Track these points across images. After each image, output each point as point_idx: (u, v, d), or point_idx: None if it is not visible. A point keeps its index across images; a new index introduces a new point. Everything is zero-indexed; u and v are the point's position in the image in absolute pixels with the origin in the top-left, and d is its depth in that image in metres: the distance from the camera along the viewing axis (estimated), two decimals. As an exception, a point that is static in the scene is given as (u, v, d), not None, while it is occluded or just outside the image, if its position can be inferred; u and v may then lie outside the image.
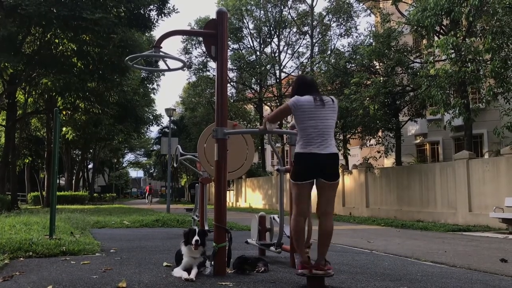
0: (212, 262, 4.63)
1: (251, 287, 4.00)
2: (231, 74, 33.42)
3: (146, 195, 41.31)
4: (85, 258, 5.55)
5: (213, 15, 5.26)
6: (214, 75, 28.32)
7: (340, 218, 16.71)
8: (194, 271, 4.34)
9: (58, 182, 29.67)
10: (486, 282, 4.56)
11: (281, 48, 34.28)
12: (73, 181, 38.26)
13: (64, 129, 28.17)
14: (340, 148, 21.69)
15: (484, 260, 6.23)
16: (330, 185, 4.10)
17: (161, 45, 5.17)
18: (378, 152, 19.99)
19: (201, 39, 24.00)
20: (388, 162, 22.93)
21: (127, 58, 5.68)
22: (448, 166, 14.64)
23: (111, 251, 6.34)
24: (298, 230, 4.17)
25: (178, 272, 4.40)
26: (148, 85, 36.35)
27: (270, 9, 33.15)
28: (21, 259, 5.35)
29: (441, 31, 15.88)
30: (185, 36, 33.18)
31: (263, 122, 4.68)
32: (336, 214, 18.59)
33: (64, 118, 27.00)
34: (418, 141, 24.73)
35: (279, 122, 4.90)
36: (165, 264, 5.12)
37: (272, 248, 5.62)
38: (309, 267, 4.00)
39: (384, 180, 17.48)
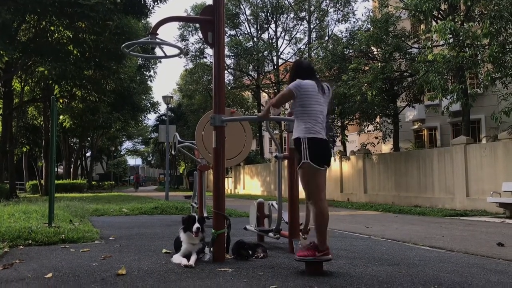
0: (211, 249, 4.65)
1: (250, 272, 4.02)
2: (228, 61, 33.23)
3: (134, 183, 51.12)
4: (84, 245, 5.58)
5: (209, 1, 5.21)
6: (211, 62, 28.17)
7: (338, 204, 16.79)
8: (193, 258, 4.37)
9: (56, 170, 29.67)
10: (483, 265, 4.60)
11: (278, 34, 34.05)
12: (71, 169, 38.27)
13: (61, 117, 28.06)
14: (338, 134, 21.69)
15: (481, 244, 6.27)
16: (326, 170, 4.21)
17: (158, 32, 5.14)
18: (376, 138, 20.01)
19: (197, 25, 23.80)
20: (386, 148, 22.96)
21: (123, 45, 5.65)
22: (445, 152, 14.67)
23: (110, 238, 6.37)
24: (327, 216, 4.06)
25: (178, 258, 4.43)
26: (145, 72, 36.15)
27: (267, -5, 32.83)
28: (21, 247, 5.37)
29: (439, 16, 15.79)
30: (181, 23, 32.93)
31: (266, 107, 4.59)
32: (334, 200, 18.67)
33: (61, 106, 26.89)
34: (416, 126, 24.74)
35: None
36: (164, 251, 5.15)
37: (270, 234, 5.65)
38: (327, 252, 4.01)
39: (382, 166, 17.53)
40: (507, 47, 12.16)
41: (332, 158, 19.47)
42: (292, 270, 4.18)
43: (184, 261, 4.30)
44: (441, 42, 14.48)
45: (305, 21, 32.67)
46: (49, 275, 3.81)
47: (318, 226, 4.01)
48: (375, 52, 18.89)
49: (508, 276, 4.05)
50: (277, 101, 4.41)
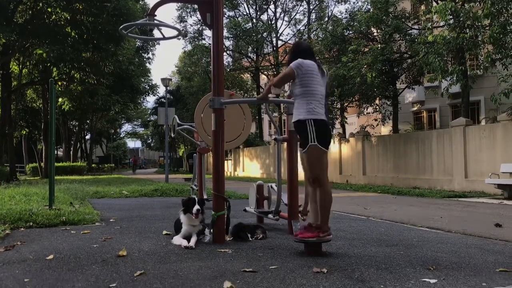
0: (211, 230, 4.69)
1: (249, 253, 4.06)
2: (227, 43, 32.96)
3: (132, 165, 53.75)
4: (85, 227, 5.62)
5: (208, -18, 5.13)
6: (210, 44, 27.97)
7: (337, 185, 16.85)
8: (193, 239, 4.41)
9: (56, 153, 29.68)
10: (480, 246, 4.64)
11: (277, 15, 33.73)
12: (71, 152, 38.27)
13: (60, 100, 27.93)
14: (338, 116, 21.66)
15: (479, 225, 6.32)
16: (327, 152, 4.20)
17: (156, 13, 5.09)
18: (375, 120, 19.99)
19: (196, 6, 23.55)
20: (385, 130, 22.96)
21: (121, 27, 5.60)
22: (445, 133, 14.68)
23: (111, 220, 6.41)
24: (331, 197, 4.14)
25: (178, 240, 4.47)
26: (143, 54, 35.90)
27: (266, -25, 32.43)
28: (22, 229, 5.41)
29: (440, -4, 15.63)
30: (179, 4, 32.57)
31: (266, 88, 4.50)
32: (333, 182, 18.73)
33: (59, 89, 26.78)
34: (415, 108, 24.70)
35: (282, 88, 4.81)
36: (164, 232, 5.20)
37: (270, 215, 5.69)
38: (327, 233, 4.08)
39: (381, 148, 17.56)
40: (508, 27, 12.04)
41: (331, 140, 19.48)
42: (292, 250, 4.22)
43: (184, 243, 4.34)
44: (442, 23, 14.35)
45: (304, 1, 32.34)
46: (50, 256, 3.85)
47: (324, 207, 4.07)
48: (375, 34, 18.74)
49: (505, 257, 4.09)
50: (278, 80, 4.33)
